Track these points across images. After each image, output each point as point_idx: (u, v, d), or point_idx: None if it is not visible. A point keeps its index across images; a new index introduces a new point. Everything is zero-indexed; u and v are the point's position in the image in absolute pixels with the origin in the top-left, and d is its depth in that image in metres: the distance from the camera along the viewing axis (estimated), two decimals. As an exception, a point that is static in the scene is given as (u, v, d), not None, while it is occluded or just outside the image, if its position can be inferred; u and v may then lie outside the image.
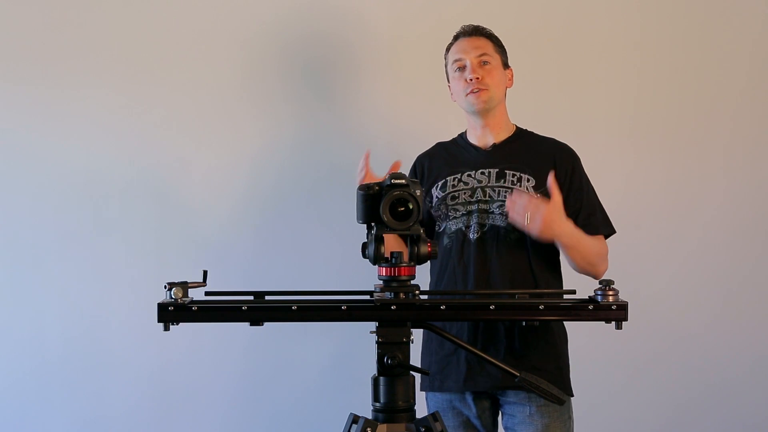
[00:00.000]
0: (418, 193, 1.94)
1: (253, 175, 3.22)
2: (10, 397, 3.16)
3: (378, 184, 1.97)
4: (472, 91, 2.48)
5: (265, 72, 3.22)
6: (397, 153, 3.10)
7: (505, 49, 2.57)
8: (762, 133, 3.35)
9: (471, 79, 2.48)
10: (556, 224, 2.31)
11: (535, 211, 2.27)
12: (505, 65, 2.57)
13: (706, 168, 3.34)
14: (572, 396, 2.50)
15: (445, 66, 2.60)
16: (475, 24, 2.56)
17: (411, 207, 1.92)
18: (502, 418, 2.51)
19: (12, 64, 3.15)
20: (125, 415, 3.18)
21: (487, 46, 2.52)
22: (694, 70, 3.33)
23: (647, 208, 3.32)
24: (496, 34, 2.57)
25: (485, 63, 2.50)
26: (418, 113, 3.22)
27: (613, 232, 2.54)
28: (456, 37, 2.57)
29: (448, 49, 2.58)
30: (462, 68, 2.51)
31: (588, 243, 2.42)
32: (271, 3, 3.23)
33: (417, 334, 2.10)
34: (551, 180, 2.34)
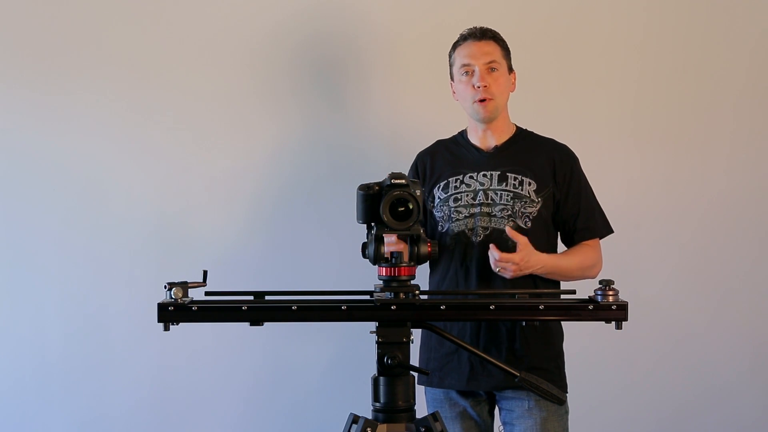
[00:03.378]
0: (418, 193, 1.94)
1: (253, 174, 3.21)
2: (10, 397, 3.15)
3: (378, 183, 1.97)
4: (479, 100, 2.48)
5: (265, 71, 3.21)
6: (398, 152, 3.12)
7: (509, 52, 2.57)
8: (764, 133, 3.35)
9: (478, 87, 2.47)
10: (528, 268, 2.37)
11: (505, 266, 2.34)
12: (510, 69, 2.56)
13: (707, 168, 3.33)
14: (567, 393, 2.52)
15: (450, 65, 2.58)
16: (483, 26, 2.54)
17: (411, 207, 1.92)
18: (500, 413, 2.53)
19: (18, 65, 3.13)
20: (125, 416, 3.18)
21: (495, 51, 2.51)
22: (695, 71, 3.32)
23: (648, 208, 3.31)
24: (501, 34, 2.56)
25: (493, 70, 2.49)
26: (420, 113, 3.21)
27: (611, 232, 2.57)
28: (464, 38, 2.54)
29: (454, 48, 2.56)
30: (470, 73, 2.50)
31: (566, 265, 2.47)
32: (271, 4, 3.22)
33: (417, 332, 2.10)
34: (509, 231, 2.38)
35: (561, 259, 2.49)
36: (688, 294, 3.33)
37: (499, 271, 2.36)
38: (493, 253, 2.35)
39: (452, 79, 2.58)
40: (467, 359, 2.45)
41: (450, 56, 2.58)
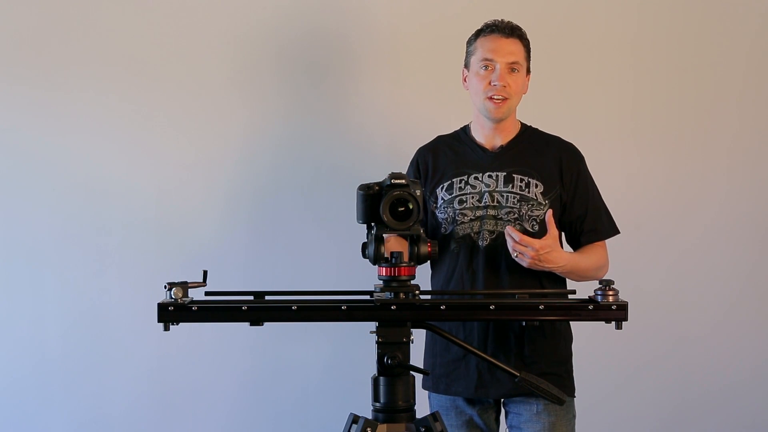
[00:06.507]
0: (418, 193, 1.94)
1: (253, 174, 3.21)
2: (9, 396, 3.15)
3: (378, 183, 1.97)
4: (493, 98, 2.42)
5: (263, 70, 3.21)
6: (396, 151, 3.12)
7: (530, 53, 2.50)
8: (764, 133, 3.35)
9: (496, 85, 2.41)
10: (546, 262, 2.32)
11: (523, 250, 2.30)
12: (528, 71, 2.51)
13: (707, 168, 3.33)
14: (574, 396, 2.51)
15: (468, 52, 2.50)
16: (511, 21, 2.47)
17: (411, 207, 1.92)
18: (507, 417, 2.50)
19: (12, 65, 3.13)
20: (125, 415, 3.18)
21: (519, 52, 2.44)
22: (695, 70, 3.32)
23: (648, 208, 3.31)
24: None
25: (514, 70, 2.43)
26: (418, 110, 3.20)
27: (618, 232, 2.54)
28: (491, 30, 2.46)
29: (476, 36, 2.48)
30: (490, 68, 2.43)
31: (584, 265, 2.44)
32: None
33: (419, 334, 2.10)
34: (549, 217, 2.36)
35: (581, 258, 2.44)
36: (689, 294, 3.33)
37: (516, 256, 2.31)
38: (513, 235, 2.30)
39: (466, 66, 2.52)
40: (475, 366, 2.41)
41: (470, 43, 2.50)
